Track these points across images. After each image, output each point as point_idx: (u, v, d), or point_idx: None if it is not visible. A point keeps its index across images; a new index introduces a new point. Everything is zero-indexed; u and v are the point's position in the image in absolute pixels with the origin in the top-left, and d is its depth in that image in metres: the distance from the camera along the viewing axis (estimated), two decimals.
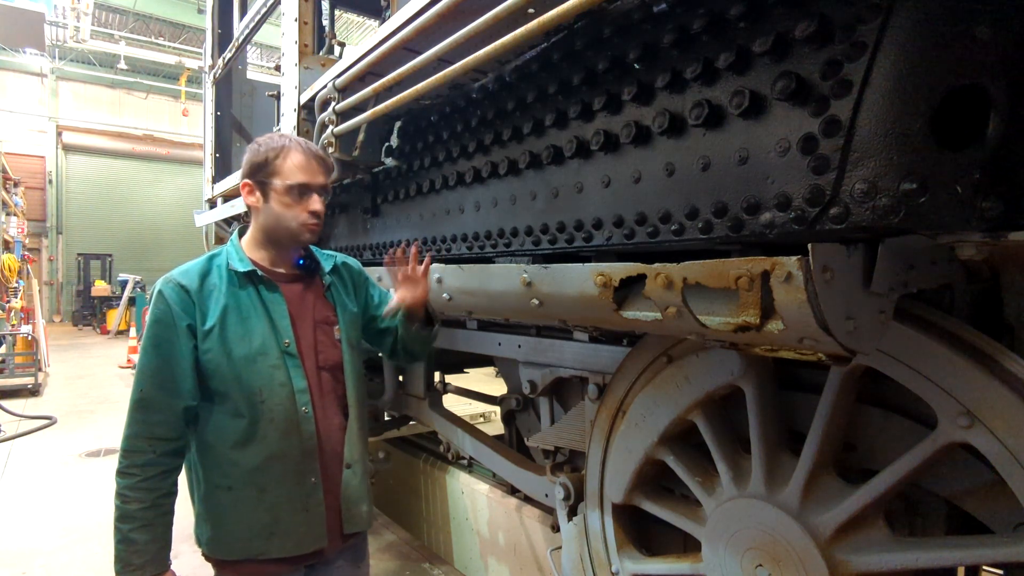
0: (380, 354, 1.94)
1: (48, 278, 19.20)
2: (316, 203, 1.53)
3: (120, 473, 1.44)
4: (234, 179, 3.54)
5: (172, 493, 1.50)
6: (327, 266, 1.70)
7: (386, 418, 3.90)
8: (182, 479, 1.55)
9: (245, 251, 1.58)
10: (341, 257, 1.78)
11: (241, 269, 1.53)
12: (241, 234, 1.65)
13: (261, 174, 1.53)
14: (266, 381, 1.50)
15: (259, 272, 1.55)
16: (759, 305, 1.04)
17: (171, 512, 1.50)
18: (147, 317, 1.49)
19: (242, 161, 1.58)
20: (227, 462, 1.50)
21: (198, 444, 1.53)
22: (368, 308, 1.80)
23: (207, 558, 1.58)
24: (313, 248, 1.71)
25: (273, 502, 1.51)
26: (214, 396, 1.50)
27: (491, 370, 4.80)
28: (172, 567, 1.52)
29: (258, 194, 1.54)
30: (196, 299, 1.48)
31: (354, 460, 1.65)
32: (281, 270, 1.61)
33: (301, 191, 1.52)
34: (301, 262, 1.65)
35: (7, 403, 7.11)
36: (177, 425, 1.47)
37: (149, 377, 1.45)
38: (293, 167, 1.51)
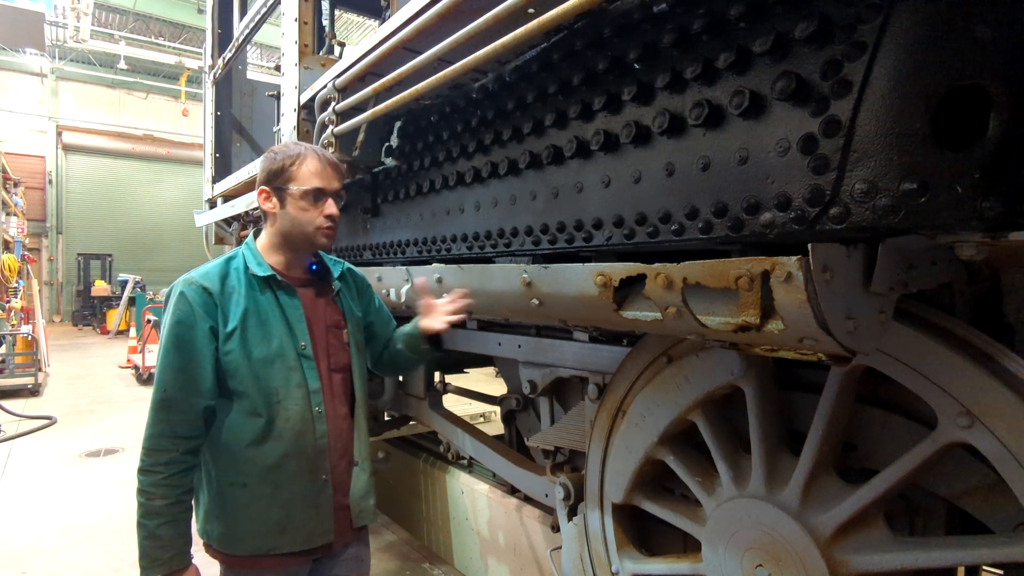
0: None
1: (48, 278, 19.19)
2: (332, 207, 1.58)
3: (143, 471, 1.47)
4: (234, 179, 3.54)
5: (192, 489, 1.55)
6: (336, 272, 1.75)
7: (386, 418, 3.90)
8: None
9: (262, 255, 1.62)
10: (347, 264, 1.85)
11: (261, 274, 1.57)
12: (255, 236, 1.68)
13: (278, 180, 1.57)
14: (283, 382, 1.55)
15: (278, 277, 1.59)
16: (759, 305, 1.04)
17: (191, 508, 1.55)
18: (167, 317, 1.50)
19: (259, 169, 1.64)
20: (243, 460, 1.53)
21: (210, 442, 1.56)
22: (367, 315, 1.86)
23: (215, 553, 1.60)
24: (322, 254, 1.76)
25: (287, 499, 1.55)
26: (232, 395, 1.54)
27: (491, 370, 4.79)
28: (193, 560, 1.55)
29: (275, 200, 1.59)
30: (218, 301, 1.52)
31: (362, 458, 1.72)
32: (296, 275, 1.66)
33: (317, 196, 1.56)
34: (314, 267, 1.70)
35: (7, 403, 7.10)
36: (198, 424, 1.51)
37: (171, 377, 1.48)
38: (309, 173, 1.56)
